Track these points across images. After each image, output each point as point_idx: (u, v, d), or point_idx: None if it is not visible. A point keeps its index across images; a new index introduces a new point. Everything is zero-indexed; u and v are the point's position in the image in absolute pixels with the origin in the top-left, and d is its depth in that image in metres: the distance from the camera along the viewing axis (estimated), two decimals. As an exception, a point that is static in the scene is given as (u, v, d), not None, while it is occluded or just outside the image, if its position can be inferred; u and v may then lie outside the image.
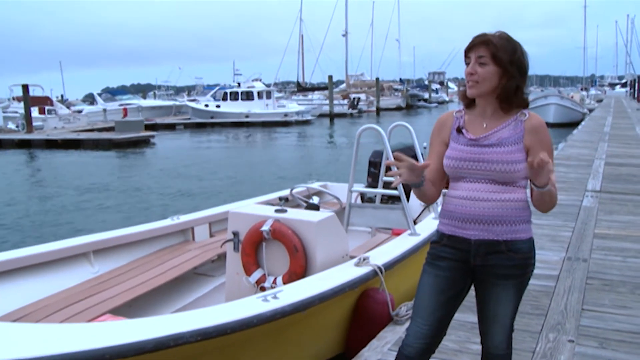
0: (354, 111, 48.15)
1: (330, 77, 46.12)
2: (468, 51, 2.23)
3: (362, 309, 3.86)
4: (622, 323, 3.77)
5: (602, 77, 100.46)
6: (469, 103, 2.35)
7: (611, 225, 6.30)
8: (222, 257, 5.08)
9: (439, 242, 2.34)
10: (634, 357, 3.31)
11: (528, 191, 2.27)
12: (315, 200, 5.29)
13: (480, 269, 2.28)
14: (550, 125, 29.42)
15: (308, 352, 3.77)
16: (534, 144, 2.21)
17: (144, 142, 26.87)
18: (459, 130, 2.32)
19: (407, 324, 3.74)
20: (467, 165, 2.26)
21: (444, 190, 2.44)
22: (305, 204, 5.30)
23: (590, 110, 33.82)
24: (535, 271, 4.57)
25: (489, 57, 2.16)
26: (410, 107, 59.10)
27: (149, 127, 31.40)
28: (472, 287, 2.40)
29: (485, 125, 2.28)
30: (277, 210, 4.26)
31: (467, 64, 2.23)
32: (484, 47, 2.18)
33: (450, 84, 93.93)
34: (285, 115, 39.23)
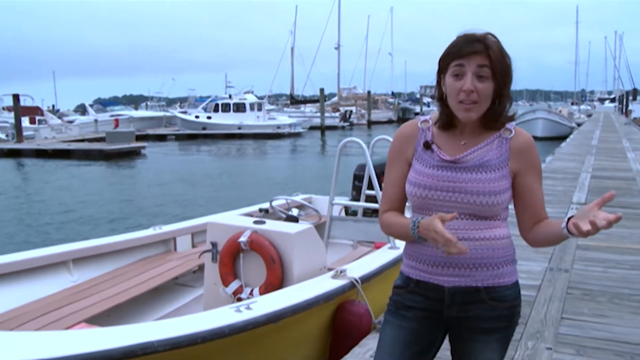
0: (346, 124, 48.33)
1: (322, 90, 46.31)
2: (461, 57, 1.72)
3: (340, 321, 3.85)
4: (598, 331, 3.82)
5: (592, 92, 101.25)
6: (447, 124, 1.86)
7: (594, 237, 6.17)
8: (203, 267, 5.06)
9: (405, 288, 1.90)
10: (608, 363, 3.35)
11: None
12: (294, 212, 5.28)
13: (457, 322, 1.86)
14: (538, 139, 29.74)
15: None
16: (523, 167, 1.81)
17: (135, 153, 26.77)
18: (427, 146, 1.85)
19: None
20: (438, 196, 1.80)
21: None
22: (284, 216, 5.30)
23: (579, 125, 34.09)
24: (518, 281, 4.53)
25: (490, 70, 1.71)
26: (402, 120, 59.27)
27: (140, 137, 31.35)
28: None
29: (463, 143, 1.83)
30: (255, 222, 4.25)
31: (457, 75, 1.73)
32: (485, 55, 1.71)
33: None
34: (278, 127, 39.29)
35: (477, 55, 1.70)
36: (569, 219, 1.68)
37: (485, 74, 1.71)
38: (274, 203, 5.63)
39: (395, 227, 1.89)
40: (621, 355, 3.43)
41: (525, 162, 1.81)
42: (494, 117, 1.80)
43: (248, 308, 3.11)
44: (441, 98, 1.82)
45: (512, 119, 1.84)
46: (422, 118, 1.95)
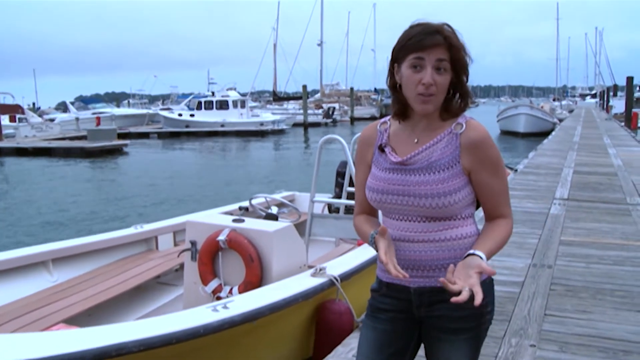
0: (329, 120, 48.35)
1: (305, 87, 46.23)
2: (421, 50, 1.67)
3: (321, 319, 3.84)
4: (582, 327, 3.81)
5: (573, 88, 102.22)
6: (402, 113, 1.83)
7: (577, 233, 6.35)
8: (184, 266, 5.03)
9: (378, 291, 1.92)
10: (591, 359, 3.35)
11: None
12: (274, 210, 5.27)
13: (426, 321, 1.86)
14: (520, 135, 29.93)
15: None
16: (476, 163, 1.74)
17: (117, 151, 26.56)
18: (381, 149, 1.85)
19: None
20: (391, 200, 1.78)
21: None
22: (264, 214, 5.27)
23: (561, 120, 34.36)
24: (501, 278, 4.47)
25: (449, 62, 1.68)
26: (384, 116, 59.36)
27: (122, 135, 31.11)
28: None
29: (416, 141, 1.80)
30: (234, 220, 4.24)
31: (415, 67, 1.68)
32: (444, 48, 1.68)
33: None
34: (261, 124, 39.18)
35: (437, 48, 1.67)
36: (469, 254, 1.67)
37: (444, 67, 1.68)
38: (254, 201, 5.60)
39: (362, 234, 1.92)
40: (604, 351, 3.43)
41: (478, 158, 1.74)
42: (449, 109, 1.76)
43: (225, 307, 3.10)
44: (394, 87, 1.80)
45: (463, 110, 1.80)
46: (382, 120, 1.93)
